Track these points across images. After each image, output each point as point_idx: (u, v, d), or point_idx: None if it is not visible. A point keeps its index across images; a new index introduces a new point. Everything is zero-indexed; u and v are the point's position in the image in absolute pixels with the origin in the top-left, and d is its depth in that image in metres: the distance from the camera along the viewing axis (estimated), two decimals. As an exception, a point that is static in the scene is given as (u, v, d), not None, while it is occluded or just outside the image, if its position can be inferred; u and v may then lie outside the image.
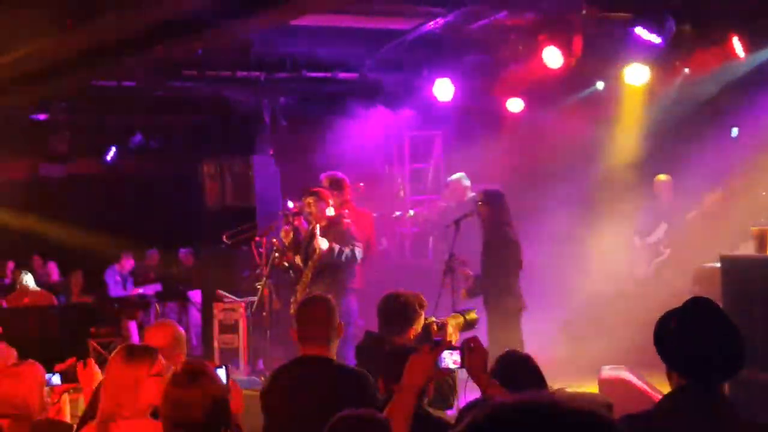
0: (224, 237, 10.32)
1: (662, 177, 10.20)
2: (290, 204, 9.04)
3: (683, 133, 9.95)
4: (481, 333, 7.34)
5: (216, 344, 9.72)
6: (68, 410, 4.99)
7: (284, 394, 4.73)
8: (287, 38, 10.16)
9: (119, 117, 13.92)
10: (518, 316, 8.08)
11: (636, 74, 9.76)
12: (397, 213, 12.37)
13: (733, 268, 6.62)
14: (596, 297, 9.81)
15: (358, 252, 8.45)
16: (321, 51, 10.76)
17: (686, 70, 9.66)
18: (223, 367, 4.21)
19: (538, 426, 1.33)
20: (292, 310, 8.52)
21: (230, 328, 9.67)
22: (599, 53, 9.72)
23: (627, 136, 10.46)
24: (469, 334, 5.07)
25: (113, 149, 15.11)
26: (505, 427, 1.35)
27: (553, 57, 9.37)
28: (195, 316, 12.74)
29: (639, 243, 10.20)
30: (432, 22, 9.49)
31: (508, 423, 1.35)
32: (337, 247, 8.28)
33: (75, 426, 4.49)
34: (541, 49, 9.36)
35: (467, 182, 10.02)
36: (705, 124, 9.86)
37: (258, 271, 9.44)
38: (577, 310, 9.87)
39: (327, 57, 10.98)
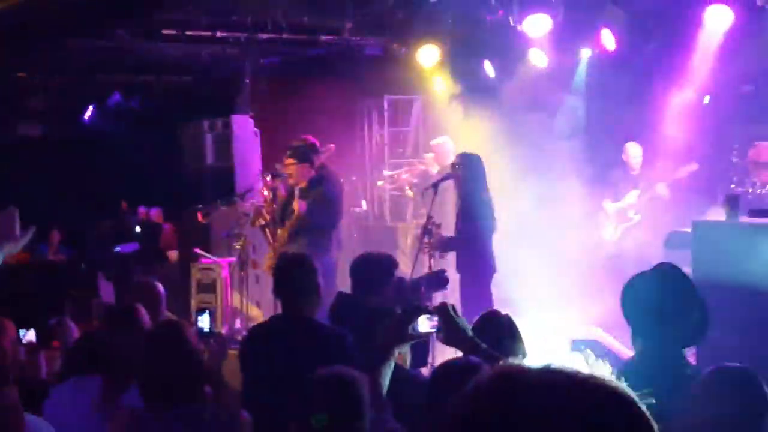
0: (199, 216, 10.25)
1: (632, 144, 10.31)
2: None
3: (652, 99, 10.04)
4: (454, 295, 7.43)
5: (193, 304, 9.78)
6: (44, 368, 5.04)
7: (263, 353, 4.78)
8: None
9: (98, 77, 13.86)
10: (489, 278, 8.19)
11: (608, 39, 9.87)
12: (387, 173, 12.42)
13: (703, 233, 6.71)
14: (569, 261, 9.94)
15: (336, 214, 8.53)
16: (303, 14, 10.73)
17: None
18: (207, 312, 4.26)
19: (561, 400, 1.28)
20: (266, 269, 8.60)
21: (208, 288, 9.73)
22: (577, 19, 9.78)
23: (597, 103, 10.53)
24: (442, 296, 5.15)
25: (91, 109, 15.05)
26: (516, 397, 1.30)
27: (536, 25, 9.47)
28: (172, 275, 12.78)
29: (610, 208, 10.33)
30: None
31: (520, 393, 1.30)
32: (315, 208, 8.34)
33: (52, 383, 4.54)
34: (524, 16, 9.43)
35: (451, 145, 10.11)
36: (676, 91, 9.95)
37: (236, 231, 9.48)
38: (550, 274, 10.00)
39: (309, 20, 10.96)
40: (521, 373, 1.32)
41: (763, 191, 8.28)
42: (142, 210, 15.05)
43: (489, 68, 11.15)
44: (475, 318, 4.15)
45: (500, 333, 4.02)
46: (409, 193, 10.99)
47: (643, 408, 1.30)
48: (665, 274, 3.54)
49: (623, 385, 1.32)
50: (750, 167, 8.51)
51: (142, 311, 4.36)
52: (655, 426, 1.29)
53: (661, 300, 3.43)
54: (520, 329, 4.19)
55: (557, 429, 1.26)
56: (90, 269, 12.90)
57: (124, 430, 3.56)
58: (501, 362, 1.37)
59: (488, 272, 8.19)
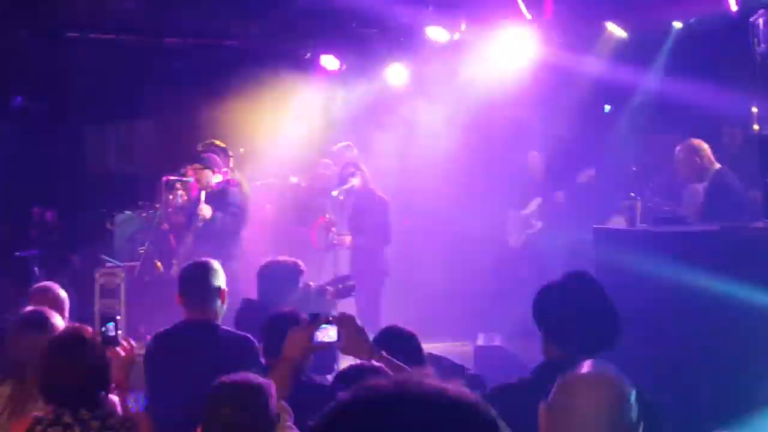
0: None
1: (535, 153, 10.49)
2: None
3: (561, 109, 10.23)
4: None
5: (96, 309, 9.59)
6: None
7: (167, 359, 4.74)
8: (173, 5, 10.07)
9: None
10: (382, 282, 8.32)
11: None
12: (293, 179, 12.32)
13: (604, 240, 6.85)
14: (472, 266, 10.06)
15: (243, 220, 8.50)
16: (209, 17, 10.69)
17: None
18: (111, 318, 4.20)
19: (408, 413, 1.30)
20: (172, 275, 8.50)
21: (111, 293, 9.55)
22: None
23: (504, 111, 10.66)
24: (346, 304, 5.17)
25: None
26: (373, 411, 1.31)
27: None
28: (76, 280, 12.50)
29: (513, 215, 10.47)
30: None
31: (376, 407, 1.32)
32: (220, 214, 8.28)
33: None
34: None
35: (354, 151, 10.15)
36: (580, 101, 10.17)
37: (140, 236, 9.35)
38: (452, 279, 10.11)
39: (215, 24, 10.90)
40: (381, 390, 1.33)
41: (658, 200, 8.46)
42: (36, 211, 14.67)
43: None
44: (371, 322, 4.19)
45: (401, 348, 4.05)
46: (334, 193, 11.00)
47: (500, 422, 1.33)
48: (578, 281, 3.59)
49: (480, 401, 1.33)
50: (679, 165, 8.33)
51: (54, 316, 4.28)
52: None
53: (574, 307, 3.49)
54: (420, 345, 4.24)
55: None
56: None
57: (24, 436, 3.51)
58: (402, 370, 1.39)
59: (381, 277, 8.33)
